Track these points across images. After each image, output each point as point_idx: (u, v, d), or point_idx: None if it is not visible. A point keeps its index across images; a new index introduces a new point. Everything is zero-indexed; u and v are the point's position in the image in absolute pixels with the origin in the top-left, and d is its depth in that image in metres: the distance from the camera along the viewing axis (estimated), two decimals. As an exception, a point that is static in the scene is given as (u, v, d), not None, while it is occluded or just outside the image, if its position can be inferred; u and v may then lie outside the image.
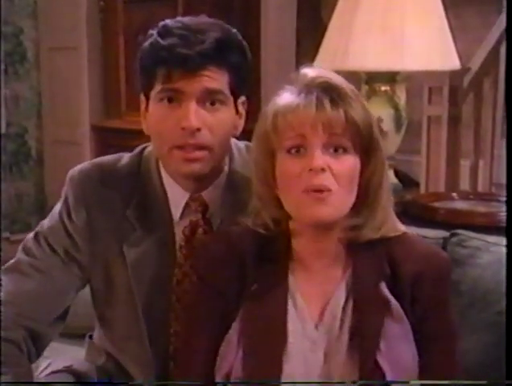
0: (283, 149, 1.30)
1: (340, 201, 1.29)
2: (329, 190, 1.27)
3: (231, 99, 1.47)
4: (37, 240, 1.56)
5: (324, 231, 1.33)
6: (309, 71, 1.33)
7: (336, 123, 1.27)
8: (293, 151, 1.29)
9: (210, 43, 1.41)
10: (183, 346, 1.42)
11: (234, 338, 1.32)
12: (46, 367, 1.65)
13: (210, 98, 1.44)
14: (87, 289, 1.61)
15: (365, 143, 1.30)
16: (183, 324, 1.45)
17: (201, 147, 1.43)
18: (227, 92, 1.45)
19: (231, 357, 1.31)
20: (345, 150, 1.29)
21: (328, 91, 1.28)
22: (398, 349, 1.29)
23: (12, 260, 1.57)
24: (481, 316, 1.64)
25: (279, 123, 1.29)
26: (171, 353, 1.52)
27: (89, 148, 4.51)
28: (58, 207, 1.57)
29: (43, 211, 4.70)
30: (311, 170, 1.26)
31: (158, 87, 1.44)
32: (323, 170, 1.26)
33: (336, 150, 1.28)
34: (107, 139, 4.39)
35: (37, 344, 1.53)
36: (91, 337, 1.71)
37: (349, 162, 1.29)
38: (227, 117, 1.47)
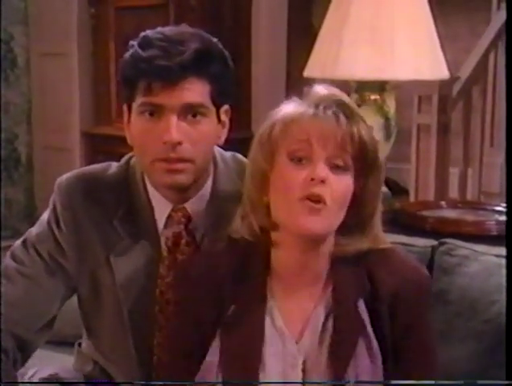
0: (287, 155, 1.30)
1: (331, 216, 1.30)
2: (325, 202, 1.28)
3: (213, 110, 1.46)
4: (25, 247, 1.55)
5: (310, 244, 1.33)
6: (323, 89, 1.35)
7: (348, 140, 1.29)
8: (296, 160, 1.30)
9: (190, 54, 1.40)
10: (166, 365, 1.44)
11: (215, 359, 1.32)
12: (32, 375, 1.64)
13: (191, 112, 1.43)
14: (74, 297, 1.60)
15: (367, 164, 1.32)
16: (167, 344, 1.45)
17: (183, 160, 1.43)
18: (208, 103, 1.44)
19: (211, 377, 1.31)
20: (345, 169, 1.30)
21: (343, 108, 1.31)
22: (363, 373, 1.28)
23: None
24: (468, 325, 1.65)
25: (292, 129, 1.30)
26: (154, 363, 1.52)
27: (79, 154, 4.50)
28: (46, 214, 1.57)
29: (32, 217, 4.68)
30: (312, 179, 1.27)
31: (139, 100, 1.43)
32: (323, 181, 1.27)
33: (336, 168, 1.29)
34: (97, 146, 4.39)
35: (23, 352, 1.52)
36: (80, 345, 1.71)
37: (346, 181, 1.30)
38: (209, 128, 1.45)
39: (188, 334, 1.37)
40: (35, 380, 1.62)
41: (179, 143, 1.41)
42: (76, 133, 4.54)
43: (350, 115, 1.31)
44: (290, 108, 1.33)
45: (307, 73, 2.36)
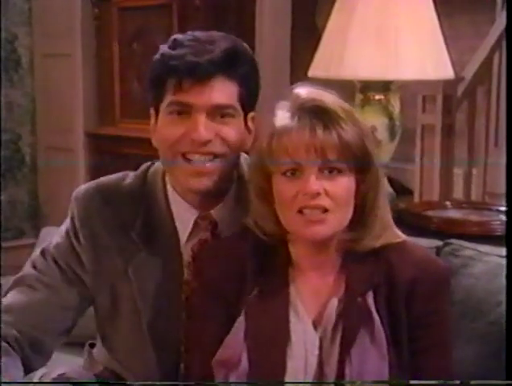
0: (278, 171, 1.32)
1: (336, 219, 1.32)
2: (326, 209, 1.30)
3: (241, 113, 1.46)
4: (44, 257, 1.56)
5: (320, 245, 1.36)
6: (302, 93, 1.35)
7: (330, 147, 1.29)
8: (288, 174, 1.31)
9: (220, 51, 1.42)
10: (191, 347, 1.45)
11: (240, 336, 1.34)
12: (42, 376, 1.64)
13: (220, 113, 1.43)
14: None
15: (359, 162, 1.32)
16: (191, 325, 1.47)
17: (213, 154, 1.43)
18: (237, 106, 1.44)
19: (236, 352, 1.33)
20: (340, 172, 1.31)
21: (320, 115, 1.30)
22: (367, 365, 1.30)
23: (19, 274, 1.57)
24: (473, 326, 1.64)
25: (274, 147, 1.32)
26: (181, 371, 1.51)
27: (83, 155, 4.50)
28: (65, 225, 1.57)
29: (36, 217, 4.68)
30: (306, 194, 1.29)
31: (168, 99, 1.43)
32: (318, 194, 1.29)
33: (330, 172, 1.30)
34: (101, 146, 4.39)
35: (39, 351, 1.53)
36: (91, 345, 1.70)
37: (344, 183, 1.32)
38: (236, 130, 1.45)
39: (213, 309, 1.39)
40: (42, 381, 1.62)
41: (209, 141, 1.42)
42: (79, 134, 4.54)
43: (328, 120, 1.30)
44: (275, 120, 1.34)
45: (311, 73, 2.36)
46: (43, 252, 1.56)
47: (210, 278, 1.41)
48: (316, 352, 1.33)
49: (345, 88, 2.39)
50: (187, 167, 1.43)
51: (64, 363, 1.73)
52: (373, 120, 2.37)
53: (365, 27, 2.23)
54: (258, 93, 1.51)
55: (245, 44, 1.50)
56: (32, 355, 1.52)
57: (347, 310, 1.34)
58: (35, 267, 1.55)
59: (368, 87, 2.38)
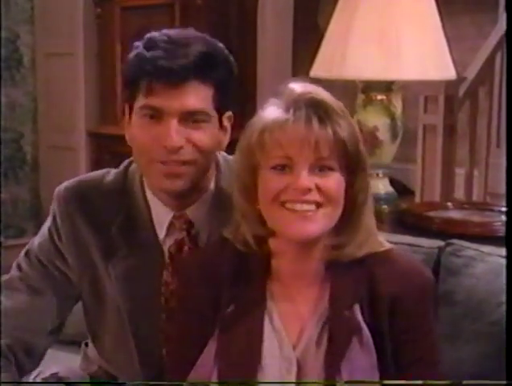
0: (267, 166, 1.27)
1: (326, 216, 1.27)
2: (319, 204, 1.26)
3: (215, 116, 1.43)
4: (28, 257, 1.56)
5: (305, 249, 1.31)
6: (297, 87, 1.30)
7: (324, 143, 1.25)
8: (278, 168, 1.27)
9: (193, 56, 1.38)
10: (169, 361, 1.43)
11: (211, 355, 1.30)
12: (37, 375, 1.64)
13: (192, 118, 1.40)
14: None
15: (351, 162, 1.29)
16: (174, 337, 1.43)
17: (184, 162, 1.41)
18: (210, 109, 1.41)
19: (206, 372, 1.29)
20: (331, 169, 1.27)
21: (316, 108, 1.26)
22: (358, 370, 1.27)
23: (6, 277, 1.57)
24: (474, 326, 1.64)
25: (266, 140, 1.27)
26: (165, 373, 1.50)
27: (85, 154, 4.50)
28: (47, 223, 1.56)
29: (38, 216, 4.68)
30: (296, 189, 1.25)
31: (140, 102, 1.41)
32: (309, 190, 1.25)
33: (321, 170, 1.26)
34: (102, 145, 4.39)
35: (31, 355, 1.53)
36: (87, 345, 1.70)
37: (335, 180, 1.27)
38: (210, 134, 1.42)
39: (190, 329, 1.35)
40: (38, 380, 1.62)
41: (180, 147, 1.39)
42: (81, 133, 4.55)
43: (324, 114, 1.26)
44: (266, 114, 1.29)
45: (313, 73, 2.36)
46: (27, 253, 1.56)
47: (188, 296, 1.37)
48: (293, 372, 1.28)
49: (347, 88, 2.39)
50: (161, 168, 1.41)
51: (58, 361, 1.74)
52: (375, 120, 2.38)
53: (368, 27, 2.24)
54: (233, 94, 1.47)
55: (220, 45, 1.46)
56: (25, 358, 1.52)
57: (335, 323, 1.29)
58: (20, 268, 1.55)
59: (370, 87, 2.38)
